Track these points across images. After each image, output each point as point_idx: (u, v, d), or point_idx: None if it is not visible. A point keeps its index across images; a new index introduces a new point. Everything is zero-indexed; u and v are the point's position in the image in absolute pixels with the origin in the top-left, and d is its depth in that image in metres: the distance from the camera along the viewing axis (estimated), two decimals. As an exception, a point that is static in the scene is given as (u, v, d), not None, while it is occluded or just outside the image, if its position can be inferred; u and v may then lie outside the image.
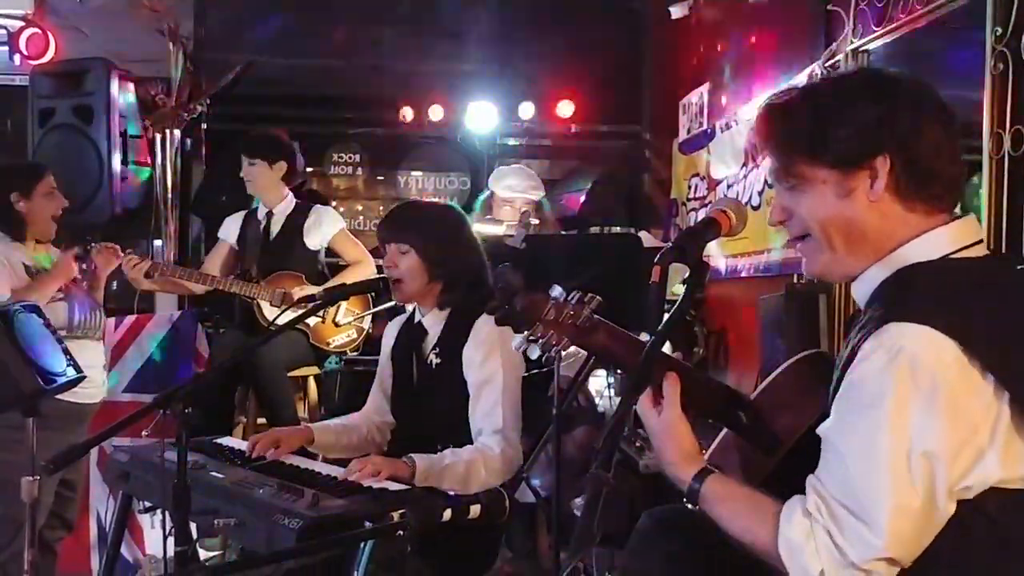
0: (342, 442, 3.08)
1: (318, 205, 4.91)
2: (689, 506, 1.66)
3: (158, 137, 6.05)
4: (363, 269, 4.67)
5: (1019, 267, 1.75)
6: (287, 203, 4.76)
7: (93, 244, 3.99)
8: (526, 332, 1.78)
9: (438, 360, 2.96)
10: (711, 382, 1.91)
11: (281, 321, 3.56)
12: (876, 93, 1.64)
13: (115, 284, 6.17)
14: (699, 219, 1.91)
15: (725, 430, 1.87)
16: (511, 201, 4.90)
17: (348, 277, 4.55)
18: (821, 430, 1.59)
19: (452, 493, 2.39)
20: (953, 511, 1.50)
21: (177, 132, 6.09)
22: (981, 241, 1.67)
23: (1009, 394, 1.49)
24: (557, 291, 1.78)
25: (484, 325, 2.86)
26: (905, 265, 1.62)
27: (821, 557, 1.51)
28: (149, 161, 5.97)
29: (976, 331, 1.49)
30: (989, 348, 1.48)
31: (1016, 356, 1.51)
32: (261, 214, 4.77)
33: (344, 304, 4.65)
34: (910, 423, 1.47)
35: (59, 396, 3.25)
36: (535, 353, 1.77)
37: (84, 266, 3.88)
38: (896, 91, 1.64)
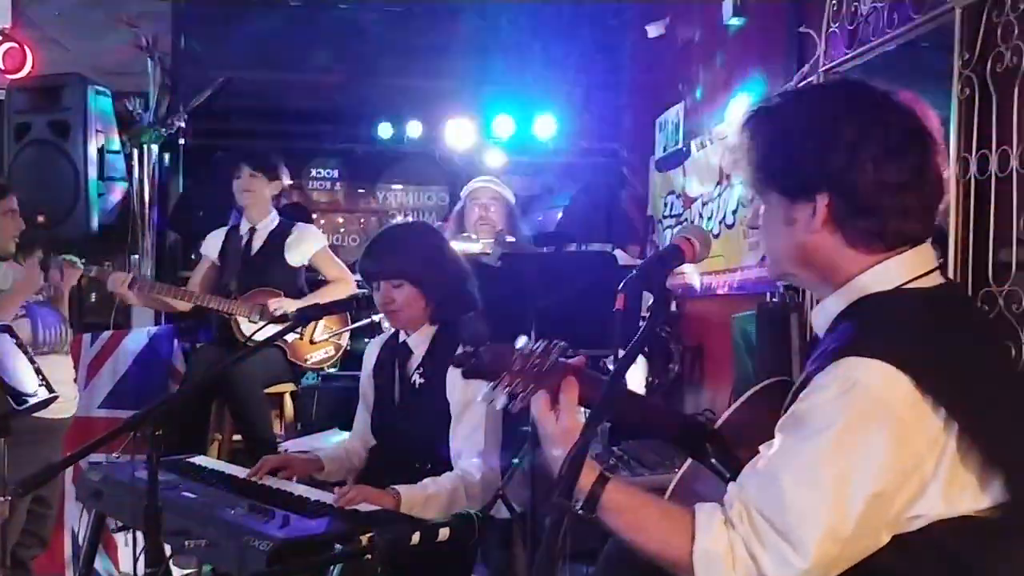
0: (345, 467, 3.09)
1: (300, 223, 4.92)
2: (582, 514, 1.58)
3: (135, 152, 6.03)
4: (342, 287, 4.68)
5: (968, 296, 1.77)
6: (270, 219, 4.77)
7: (55, 256, 3.98)
8: (492, 383, 1.81)
9: (422, 380, 2.97)
10: (651, 404, 1.95)
11: (258, 337, 3.55)
12: (820, 127, 1.63)
13: (93, 297, 6.19)
14: (664, 246, 1.94)
15: (690, 460, 1.89)
16: (477, 198, 4.76)
17: (326, 295, 4.56)
18: (762, 447, 1.59)
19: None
20: (886, 542, 1.51)
21: (155, 147, 6.06)
22: (936, 268, 1.68)
23: (959, 426, 1.50)
24: (522, 341, 1.82)
25: (470, 346, 2.88)
26: (861, 296, 1.64)
27: (737, 570, 1.51)
28: (126, 177, 5.96)
29: (930, 366, 1.50)
30: (941, 383, 1.50)
31: (968, 389, 1.53)
32: (244, 229, 4.78)
33: (321, 321, 4.66)
34: (855, 454, 1.48)
35: (30, 413, 3.24)
36: (502, 402, 1.79)
37: (50, 274, 3.85)
38: (839, 125, 1.61)
